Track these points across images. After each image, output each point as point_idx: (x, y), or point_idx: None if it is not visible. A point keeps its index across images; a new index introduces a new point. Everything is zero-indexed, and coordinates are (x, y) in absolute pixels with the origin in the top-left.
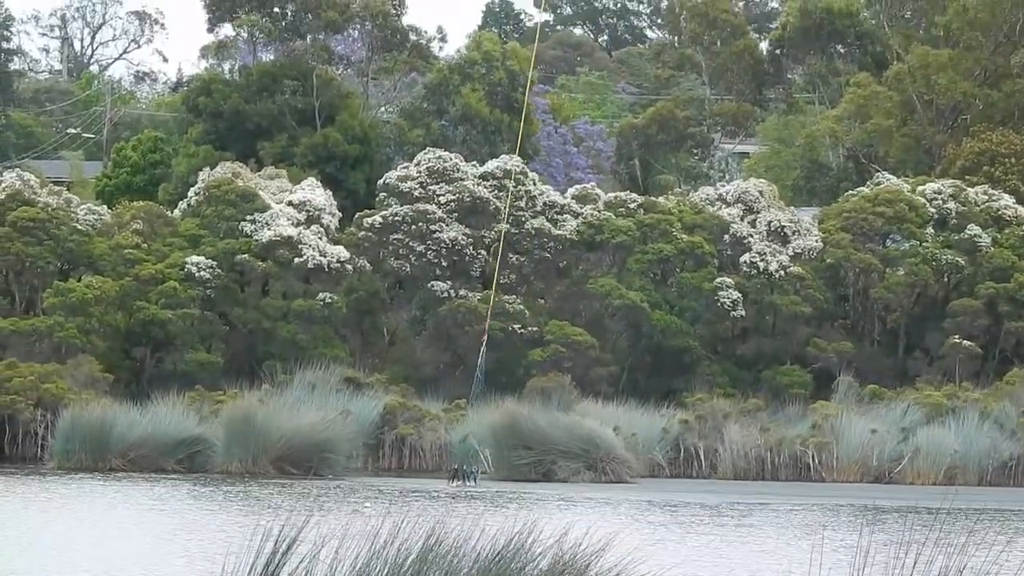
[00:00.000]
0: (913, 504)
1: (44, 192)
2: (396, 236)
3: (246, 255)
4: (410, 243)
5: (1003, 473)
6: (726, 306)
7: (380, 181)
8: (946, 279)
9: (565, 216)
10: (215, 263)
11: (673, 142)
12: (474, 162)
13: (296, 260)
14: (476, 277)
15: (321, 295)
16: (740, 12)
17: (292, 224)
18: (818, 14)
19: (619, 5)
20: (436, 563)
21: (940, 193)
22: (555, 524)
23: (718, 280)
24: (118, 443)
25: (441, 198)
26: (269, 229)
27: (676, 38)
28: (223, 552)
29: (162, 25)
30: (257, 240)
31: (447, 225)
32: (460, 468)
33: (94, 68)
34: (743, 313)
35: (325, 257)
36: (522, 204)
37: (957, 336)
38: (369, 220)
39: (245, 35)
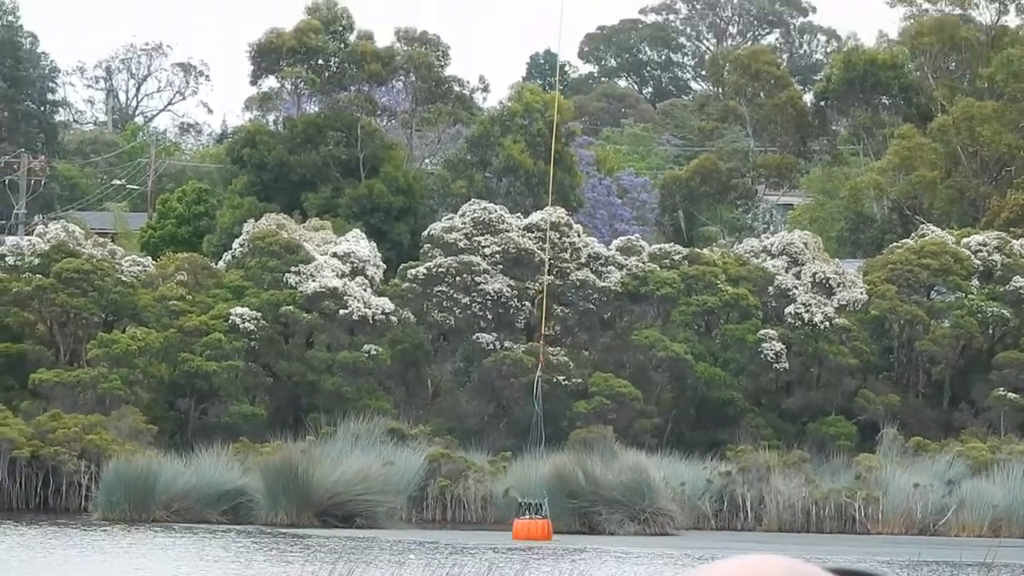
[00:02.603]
0: (957, 559)
1: (89, 243)
2: (440, 288)
3: (291, 307)
4: (454, 295)
5: None
6: (769, 358)
7: (425, 232)
8: (991, 331)
9: (610, 268)
10: (259, 314)
11: (717, 194)
12: (518, 213)
13: (341, 312)
14: (520, 329)
15: (366, 347)
16: (783, 64)
17: (337, 275)
18: (862, 66)
19: (663, 57)
20: None
21: (985, 245)
22: None
23: (762, 332)
24: (162, 494)
25: (486, 249)
26: (314, 281)
27: (720, 90)
28: None
29: (207, 77)
30: (302, 292)
31: (491, 276)
32: (527, 503)
33: (139, 120)
34: (787, 365)
35: (370, 309)
36: (567, 256)
37: (1002, 388)
38: (413, 271)
39: (289, 87)
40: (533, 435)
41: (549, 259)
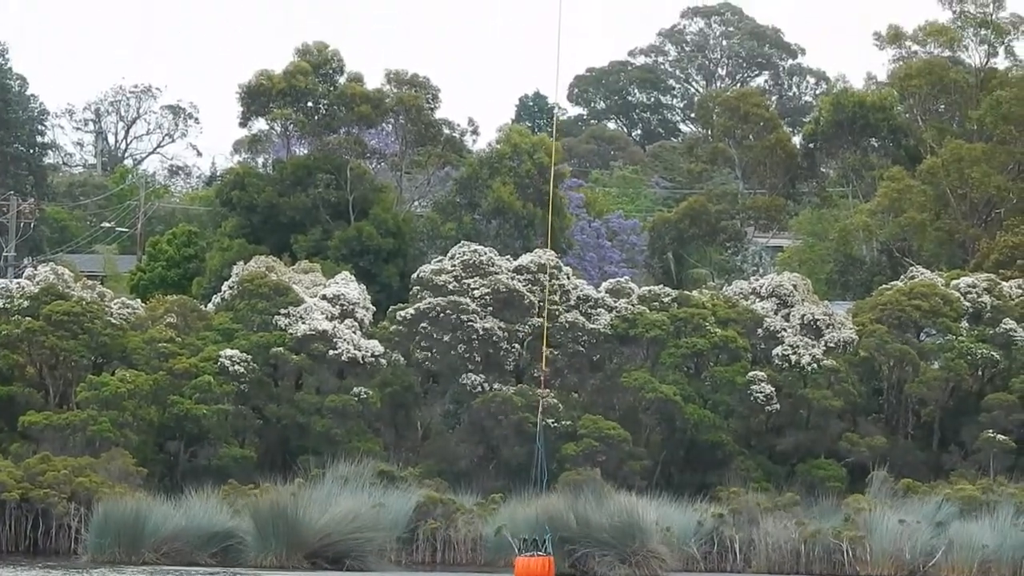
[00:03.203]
0: None
1: (78, 286)
2: (428, 328)
3: (281, 348)
4: (443, 336)
5: None
6: (759, 400)
7: (414, 275)
8: (981, 373)
9: (599, 310)
10: (249, 357)
11: (706, 236)
12: (508, 256)
13: (331, 353)
14: (510, 370)
15: (356, 389)
16: (772, 106)
17: (326, 318)
18: (851, 108)
19: (652, 99)
20: None
21: (974, 287)
22: None
23: (751, 374)
24: (152, 537)
25: (475, 291)
26: (304, 323)
27: (708, 132)
28: None
29: (196, 119)
30: (291, 334)
31: (480, 318)
32: (531, 539)
33: (128, 162)
34: (777, 407)
35: (359, 351)
36: (556, 298)
37: (992, 430)
38: (403, 313)
39: (279, 129)
40: (535, 475)
41: (540, 302)
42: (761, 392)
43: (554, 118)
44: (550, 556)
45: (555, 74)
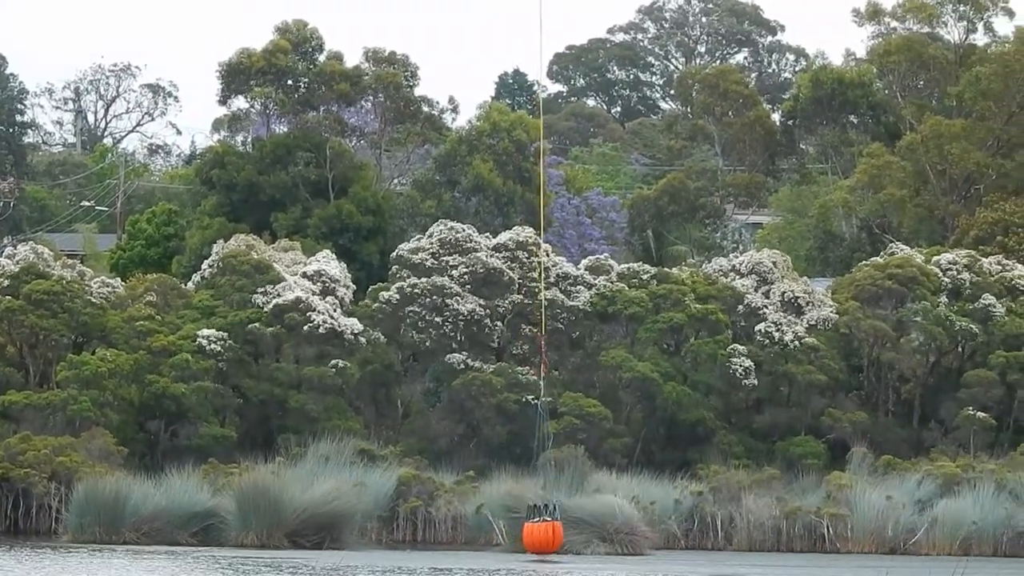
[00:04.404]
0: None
1: (58, 265)
2: (412, 309)
3: (257, 323)
4: (425, 315)
5: (1018, 544)
6: (738, 374)
7: (393, 254)
8: (960, 348)
9: (578, 287)
10: (227, 335)
11: (685, 213)
12: (487, 233)
13: (307, 327)
14: (491, 349)
15: (334, 361)
16: (752, 83)
17: (306, 294)
18: (830, 85)
19: (632, 76)
20: None
21: (955, 264)
22: None
23: (730, 347)
24: (132, 516)
25: (454, 270)
26: (280, 297)
27: (688, 109)
28: None
29: (176, 98)
30: (267, 311)
31: (463, 298)
32: (539, 506)
33: (108, 141)
34: (755, 382)
35: (336, 323)
36: (535, 275)
37: (971, 407)
38: (386, 294)
39: (258, 107)
40: (536, 447)
41: (519, 279)
42: (740, 366)
43: (539, 102)
44: (557, 521)
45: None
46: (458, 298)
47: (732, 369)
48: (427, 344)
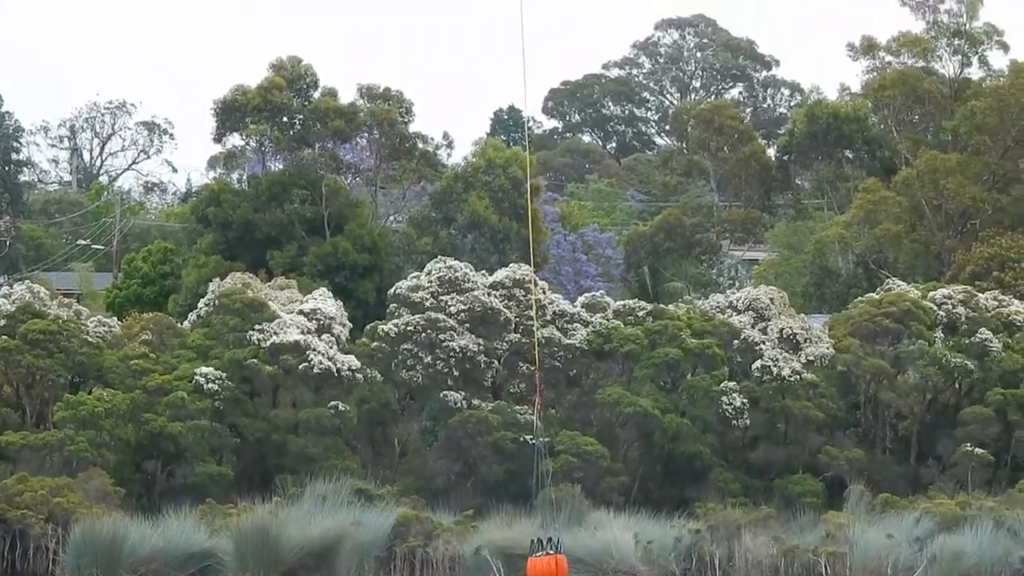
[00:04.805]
0: None
1: (54, 304)
2: (407, 346)
3: (254, 360)
4: (420, 353)
5: None
6: (729, 413)
7: (390, 291)
8: (957, 385)
9: (575, 325)
10: (224, 374)
11: (681, 249)
12: (483, 271)
13: (303, 366)
14: (487, 387)
15: (332, 403)
16: (747, 118)
17: (302, 332)
18: (825, 119)
19: (627, 112)
20: None
21: (950, 298)
22: None
23: (723, 384)
24: (129, 557)
25: (452, 308)
26: (277, 337)
27: (683, 144)
28: None
29: (171, 135)
30: (264, 348)
31: (458, 334)
32: (542, 540)
33: (103, 179)
34: (747, 422)
35: (334, 364)
36: (531, 313)
37: (969, 444)
38: (383, 329)
39: (253, 144)
40: (535, 487)
41: (516, 318)
42: (731, 404)
43: (526, 134)
44: (560, 555)
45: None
46: (452, 332)
47: (723, 409)
48: (420, 381)
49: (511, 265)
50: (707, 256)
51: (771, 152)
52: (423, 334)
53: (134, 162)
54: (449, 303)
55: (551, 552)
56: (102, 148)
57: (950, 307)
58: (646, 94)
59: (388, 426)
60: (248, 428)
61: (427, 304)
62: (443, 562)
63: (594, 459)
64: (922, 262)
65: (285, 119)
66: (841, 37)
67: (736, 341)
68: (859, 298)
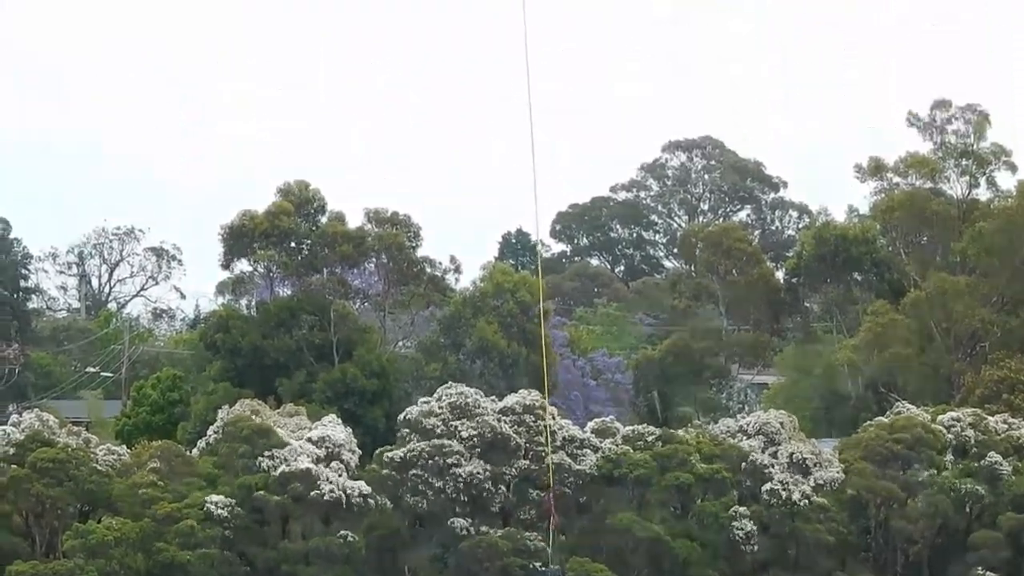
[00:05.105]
0: None
1: (63, 432)
2: (415, 471)
3: (263, 491)
4: (429, 479)
5: None
6: (738, 538)
7: (401, 416)
8: (968, 509)
9: (585, 450)
10: (233, 501)
11: (690, 373)
12: (493, 396)
13: (312, 493)
14: (496, 513)
15: (342, 532)
16: (755, 240)
17: (312, 460)
18: (833, 241)
19: (635, 235)
20: None
21: (959, 421)
22: None
23: (733, 509)
24: None
25: (462, 433)
26: (287, 465)
27: (692, 267)
28: None
29: (179, 261)
30: (274, 476)
31: (466, 460)
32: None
33: (112, 306)
34: (755, 547)
35: (345, 492)
36: (542, 439)
37: (980, 568)
38: (390, 455)
39: (261, 270)
40: None
41: (525, 443)
42: (741, 529)
43: (539, 258)
44: None
45: (534, 213)
46: (459, 456)
47: (733, 534)
48: (425, 507)
49: (521, 391)
50: (716, 380)
51: (779, 274)
52: (431, 460)
53: (142, 288)
54: (460, 428)
55: None
56: (110, 274)
57: (959, 430)
58: (654, 216)
59: (398, 553)
60: (258, 557)
61: (438, 430)
62: None
63: None
64: (931, 385)
65: (293, 244)
66: (849, 158)
67: (744, 464)
68: (869, 422)
